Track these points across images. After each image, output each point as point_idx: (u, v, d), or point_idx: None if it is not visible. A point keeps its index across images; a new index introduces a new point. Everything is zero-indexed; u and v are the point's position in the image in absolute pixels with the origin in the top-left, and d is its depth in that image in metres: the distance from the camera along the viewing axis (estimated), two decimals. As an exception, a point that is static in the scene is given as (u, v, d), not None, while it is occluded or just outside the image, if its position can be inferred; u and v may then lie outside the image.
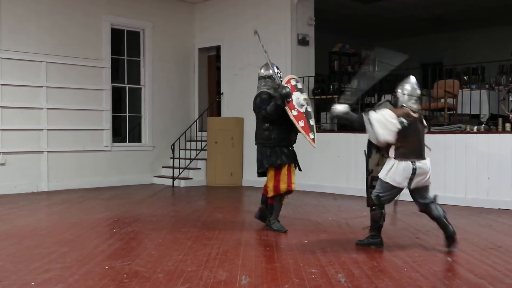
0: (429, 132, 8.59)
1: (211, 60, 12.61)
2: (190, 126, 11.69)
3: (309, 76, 10.32)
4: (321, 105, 10.70)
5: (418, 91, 5.15)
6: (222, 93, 11.70)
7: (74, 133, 10.30)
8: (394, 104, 5.20)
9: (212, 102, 12.34)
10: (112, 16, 10.88)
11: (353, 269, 4.39)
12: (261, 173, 6.20)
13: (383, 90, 11.32)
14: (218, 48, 12.03)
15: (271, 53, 10.42)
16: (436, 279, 4.09)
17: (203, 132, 11.62)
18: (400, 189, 5.07)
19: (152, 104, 11.56)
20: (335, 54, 13.10)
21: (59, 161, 10.07)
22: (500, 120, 8.16)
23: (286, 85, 5.93)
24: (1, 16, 9.42)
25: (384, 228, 5.49)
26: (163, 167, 11.66)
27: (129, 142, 11.62)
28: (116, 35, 11.22)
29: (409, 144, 4.97)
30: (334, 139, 9.57)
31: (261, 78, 6.23)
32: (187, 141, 11.67)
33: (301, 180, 9.65)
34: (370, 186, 5.36)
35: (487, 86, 10.84)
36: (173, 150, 11.10)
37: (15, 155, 9.56)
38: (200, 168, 11.27)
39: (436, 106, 9.57)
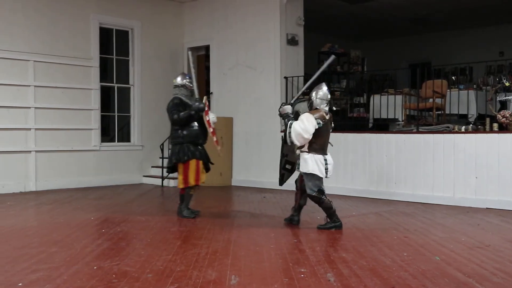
0: (418, 132, 8.67)
1: (200, 60, 12.57)
2: (179, 126, 11.64)
3: (298, 76, 10.33)
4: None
5: (329, 96, 6.14)
6: (212, 92, 11.68)
7: (63, 133, 10.23)
8: (310, 107, 6.12)
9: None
10: (100, 15, 10.82)
11: (342, 268, 4.40)
12: (170, 169, 6.97)
13: (372, 90, 11.42)
14: (207, 48, 12.01)
15: (261, 52, 10.58)
16: (425, 278, 4.11)
17: (192, 132, 11.59)
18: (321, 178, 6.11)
19: (141, 104, 11.52)
20: (324, 54, 13.11)
21: (47, 161, 10.00)
22: (487, 120, 8.22)
23: (202, 102, 6.83)
24: (-12, 15, 9.36)
25: (372, 228, 6.14)
26: (152, 166, 11.62)
27: (118, 141, 11.58)
28: (105, 34, 11.16)
29: (320, 140, 5.98)
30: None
31: (176, 86, 6.99)
32: (176, 140, 11.63)
33: (291, 180, 9.70)
34: (283, 167, 6.49)
35: (474, 86, 10.91)
36: (162, 150, 11.06)
37: (3, 154, 9.47)
38: (189, 168, 11.21)
39: (424, 106, 9.62)
